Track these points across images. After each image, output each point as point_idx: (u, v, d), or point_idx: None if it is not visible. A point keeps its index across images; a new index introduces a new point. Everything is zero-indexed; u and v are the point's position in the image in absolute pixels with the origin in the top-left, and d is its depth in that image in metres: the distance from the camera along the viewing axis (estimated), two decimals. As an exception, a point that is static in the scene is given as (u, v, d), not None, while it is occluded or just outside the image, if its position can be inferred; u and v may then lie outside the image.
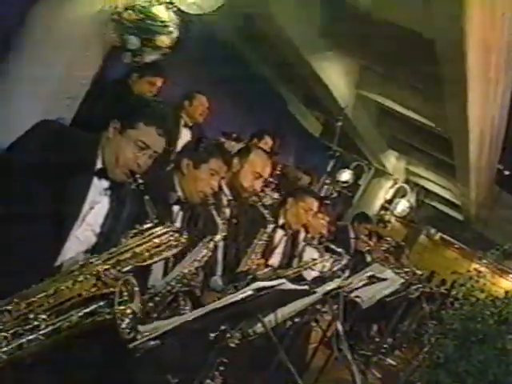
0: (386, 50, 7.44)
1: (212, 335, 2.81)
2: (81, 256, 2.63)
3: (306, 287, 3.12)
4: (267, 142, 6.90)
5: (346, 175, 12.19)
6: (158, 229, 2.58)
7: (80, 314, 2.28)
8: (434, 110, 8.75)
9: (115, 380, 2.64)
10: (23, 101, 3.93)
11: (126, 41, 4.08)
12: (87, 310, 2.29)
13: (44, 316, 2.27)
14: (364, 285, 4.67)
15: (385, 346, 7.99)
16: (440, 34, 5.35)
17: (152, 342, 2.63)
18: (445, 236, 20.03)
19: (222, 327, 2.56)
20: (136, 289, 2.41)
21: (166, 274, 3.36)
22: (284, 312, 3.41)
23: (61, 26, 4.11)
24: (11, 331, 2.22)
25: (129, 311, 2.33)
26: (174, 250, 2.64)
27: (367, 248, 8.40)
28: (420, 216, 18.04)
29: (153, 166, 3.38)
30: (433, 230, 19.89)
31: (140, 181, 2.66)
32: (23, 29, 4.18)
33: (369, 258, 8.21)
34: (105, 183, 2.73)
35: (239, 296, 2.18)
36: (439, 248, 20.54)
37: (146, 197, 2.62)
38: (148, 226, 2.58)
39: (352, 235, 8.45)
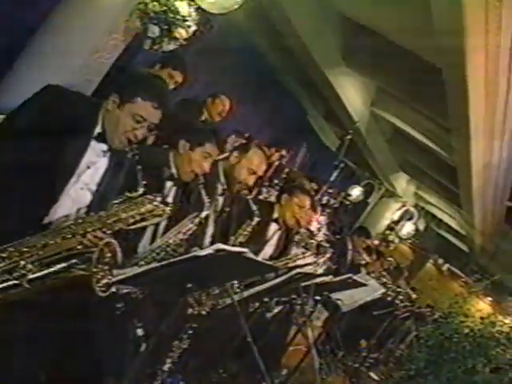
0: (402, 76, 7.72)
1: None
2: (73, 214, 2.83)
3: (270, 262, 3.41)
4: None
5: (356, 191, 12.38)
6: (144, 198, 2.79)
7: (59, 267, 2.54)
8: (444, 139, 8.98)
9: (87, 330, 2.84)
10: (47, 74, 4.19)
11: (148, 29, 4.46)
12: (65, 264, 2.55)
13: (31, 266, 2.54)
14: (340, 286, 4.93)
15: (370, 360, 8.21)
16: (443, 63, 5.63)
17: (125, 290, 2.97)
18: (453, 268, 20.00)
19: (188, 285, 2.82)
20: (119, 251, 2.71)
21: (153, 242, 3.66)
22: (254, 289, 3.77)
23: (90, 10, 4.44)
24: (1, 277, 2.51)
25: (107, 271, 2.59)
26: (158, 219, 2.87)
27: (363, 262, 8.63)
28: (427, 243, 18.13)
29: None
30: (440, 260, 19.89)
31: (136, 151, 2.88)
32: (54, 11, 4.51)
33: (364, 271, 8.39)
34: (103, 146, 2.91)
35: (200, 252, 2.47)
36: (446, 279, 20.43)
37: (139, 166, 2.84)
38: (136, 194, 2.80)
39: (350, 247, 8.67)
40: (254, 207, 4.37)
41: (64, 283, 2.56)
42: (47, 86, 2.90)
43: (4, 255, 2.54)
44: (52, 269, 2.54)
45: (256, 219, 4.32)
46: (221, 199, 4.34)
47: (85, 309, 2.75)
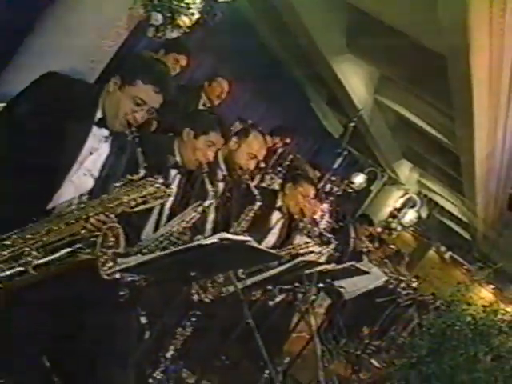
0: (406, 64, 7.71)
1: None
2: (75, 200, 2.83)
3: (273, 251, 3.42)
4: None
5: (359, 178, 12.36)
6: (146, 180, 2.78)
7: (64, 252, 2.58)
8: (448, 126, 8.97)
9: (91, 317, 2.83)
10: (49, 62, 4.16)
11: (151, 17, 4.46)
12: (70, 249, 2.59)
13: (35, 253, 2.55)
14: (343, 273, 4.94)
15: (372, 347, 8.26)
16: (448, 51, 5.62)
17: (130, 278, 2.98)
18: (455, 255, 20.02)
19: (192, 273, 2.83)
20: (121, 235, 2.73)
21: (156, 230, 3.67)
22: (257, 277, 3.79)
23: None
24: (6, 263, 2.53)
25: (111, 256, 2.62)
26: (160, 201, 2.86)
27: (365, 249, 8.65)
28: (430, 231, 18.16)
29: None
30: (443, 248, 19.90)
31: (136, 134, 2.88)
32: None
33: (366, 259, 8.42)
34: (105, 131, 2.92)
35: (204, 241, 2.48)
36: (448, 267, 20.44)
37: (139, 149, 2.84)
38: (137, 176, 2.78)
39: (352, 235, 8.69)
40: (256, 192, 4.34)
41: (69, 269, 2.59)
42: (46, 74, 2.90)
43: (8, 242, 2.54)
44: (57, 254, 2.57)
45: (258, 204, 4.28)
46: (221, 185, 4.34)
47: (89, 295, 2.77)
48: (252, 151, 4.37)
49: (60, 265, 2.57)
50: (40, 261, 2.55)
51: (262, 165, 6.43)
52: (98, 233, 2.63)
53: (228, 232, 3.99)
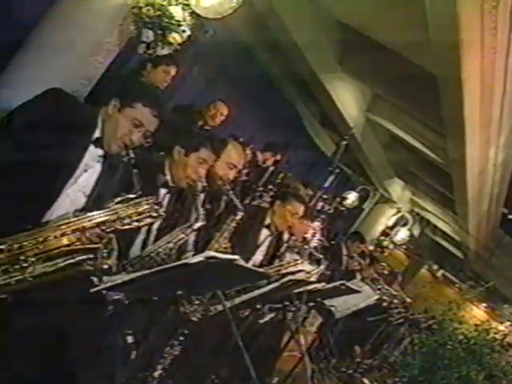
0: (398, 83, 7.74)
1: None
2: (71, 213, 2.84)
3: (261, 270, 3.39)
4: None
5: (351, 197, 12.36)
6: (141, 199, 2.83)
7: (66, 262, 2.61)
8: (439, 145, 8.99)
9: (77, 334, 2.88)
10: (42, 75, 4.23)
11: (142, 34, 4.47)
12: (74, 260, 2.62)
13: (33, 259, 2.57)
14: (333, 292, 4.91)
15: (364, 366, 8.20)
16: (439, 71, 5.63)
17: (116, 296, 2.95)
18: (447, 274, 20.00)
19: (179, 292, 2.81)
20: (115, 250, 2.72)
21: (144, 249, 3.63)
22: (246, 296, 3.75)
23: (86, 14, 4.46)
24: (2, 268, 2.54)
25: (106, 266, 2.63)
26: (152, 220, 2.90)
27: (358, 267, 8.62)
28: (422, 249, 18.16)
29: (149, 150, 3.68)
30: (435, 266, 19.89)
31: (132, 155, 2.93)
32: (51, 12, 4.52)
33: (358, 277, 8.38)
34: (100, 151, 2.98)
35: (191, 260, 2.46)
36: (440, 285, 20.41)
37: (135, 170, 2.89)
38: (133, 195, 2.83)
39: (345, 253, 8.66)
40: (237, 202, 4.28)
41: (62, 279, 2.59)
42: (51, 89, 2.97)
43: (3, 247, 2.56)
44: (60, 264, 2.60)
45: (240, 214, 4.22)
46: (201, 196, 4.30)
47: (75, 312, 2.77)
48: (231, 161, 4.31)
49: (57, 274, 2.59)
50: (37, 268, 2.56)
51: (252, 179, 6.42)
52: (94, 246, 2.67)
53: (210, 244, 4.04)
